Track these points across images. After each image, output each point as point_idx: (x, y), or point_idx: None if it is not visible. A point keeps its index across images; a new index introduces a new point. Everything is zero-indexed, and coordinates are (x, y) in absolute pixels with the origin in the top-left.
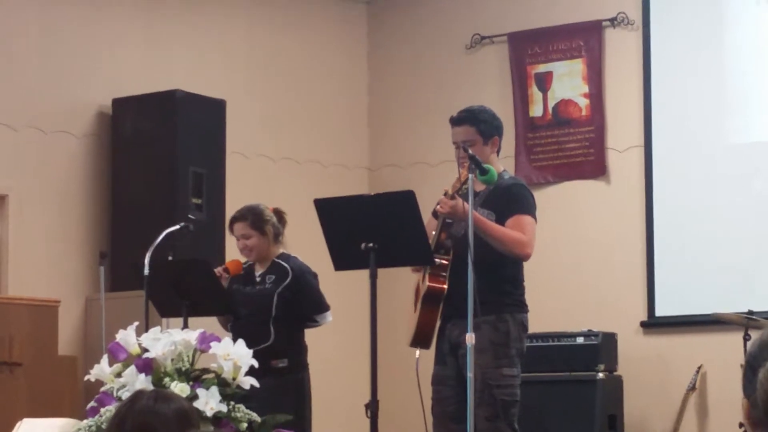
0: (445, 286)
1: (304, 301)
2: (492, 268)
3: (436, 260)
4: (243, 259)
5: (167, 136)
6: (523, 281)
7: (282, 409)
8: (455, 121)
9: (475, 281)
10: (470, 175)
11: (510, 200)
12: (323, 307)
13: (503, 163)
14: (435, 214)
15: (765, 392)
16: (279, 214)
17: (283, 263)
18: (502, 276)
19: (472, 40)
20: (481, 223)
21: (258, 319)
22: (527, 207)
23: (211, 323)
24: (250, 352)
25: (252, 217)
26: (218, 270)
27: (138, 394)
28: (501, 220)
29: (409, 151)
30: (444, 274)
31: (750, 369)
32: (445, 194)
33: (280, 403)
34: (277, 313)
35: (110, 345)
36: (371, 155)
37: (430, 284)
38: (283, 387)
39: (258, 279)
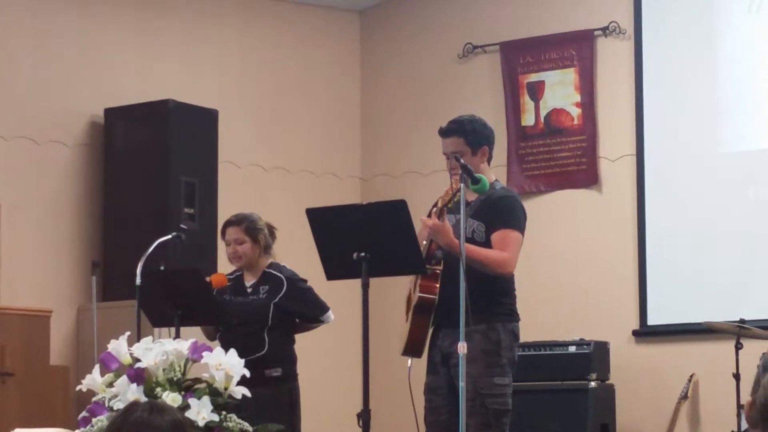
0: (436, 296)
1: (305, 307)
2: (482, 277)
3: (428, 270)
4: (228, 273)
5: (160, 146)
6: (515, 290)
7: (276, 418)
8: (443, 133)
9: (466, 290)
10: (461, 185)
11: (498, 213)
12: (324, 307)
13: (495, 172)
14: None
15: (765, 397)
16: (270, 228)
17: (276, 273)
18: (492, 285)
19: (465, 50)
20: (458, 248)
21: (252, 328)
22: (514, 221)
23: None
24: (242, 361)
25: (247, 223)
26: None
27: (132, 406)
28: (489, 232)
29: (401, 160)
30: (435, 284)
31: (764, 370)
32: (435, 206)
33: (274, 412)
34: (273, 323)
35: (102, 355)
36: (363, 164)
37: (421, 294)
38: (277, 396)
39: (250, 289)
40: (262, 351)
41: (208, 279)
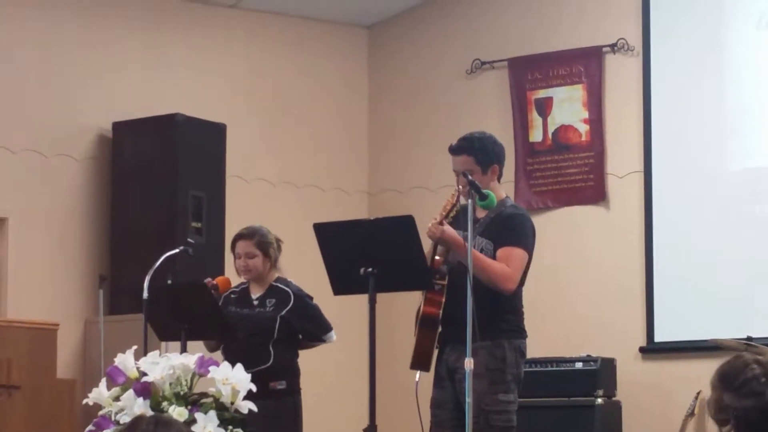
0: (440, 311)
1: (309, 324)
2: (489, 293)
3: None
4: (234, 279)
5: (167, 160)
6: (522, 307)
7: (281, 431)
8: (454, 151)
9: (473, 306)
10: (469, 200)
11: (506, 230)
12: (328, 327)
13: (503, 188)
14: None
15: None
16: (277, 240)
17: (283, 287)
18: (499, 302)
19: (473, 66)
20: (466, 251)
21: (258, 341)
22: (521, 240)
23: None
24: (249, 376)
25: (258, 237)
26: (207, 282)
27: (137, 420)
28: (496, 250)
29: (408, 175)
30: (439, 299)
31: None
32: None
33: (278, 425)
34: (279, 336)
35: (109, 369)
36: (371, 180)
37: (425, 309)
38: (282, 409)
39: (256, 302)
40: (268, 363)
41: (213, 281)
